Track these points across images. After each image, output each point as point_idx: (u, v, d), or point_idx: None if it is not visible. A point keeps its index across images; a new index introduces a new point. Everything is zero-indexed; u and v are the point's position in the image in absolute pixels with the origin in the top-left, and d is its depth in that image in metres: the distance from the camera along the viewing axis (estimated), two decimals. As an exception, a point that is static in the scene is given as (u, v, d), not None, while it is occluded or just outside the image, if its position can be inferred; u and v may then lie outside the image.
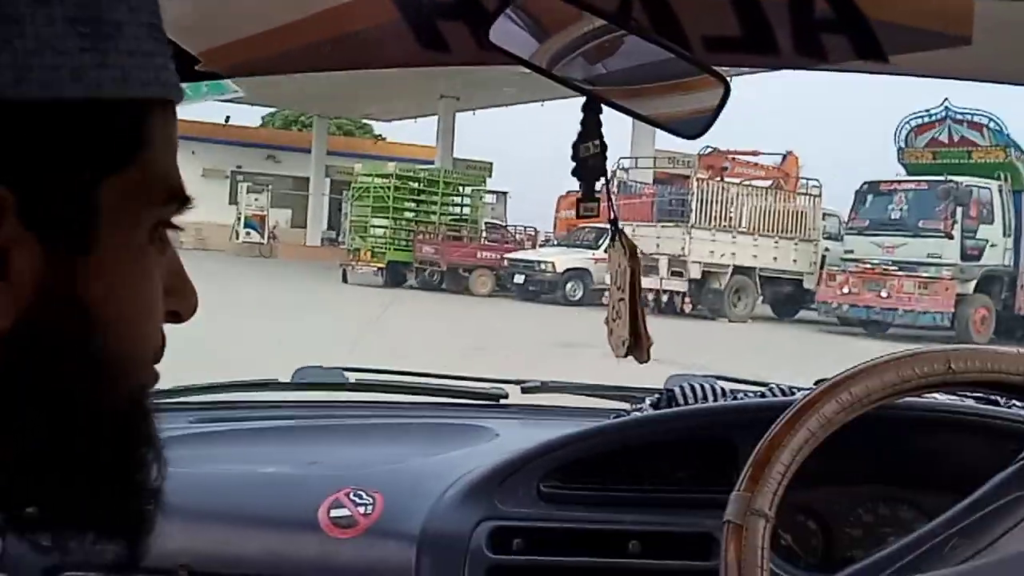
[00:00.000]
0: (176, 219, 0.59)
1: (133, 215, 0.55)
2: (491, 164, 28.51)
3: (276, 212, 33.62)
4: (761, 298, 21.45)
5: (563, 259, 21.85)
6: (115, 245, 0.53)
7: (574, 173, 1.21)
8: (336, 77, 22.25)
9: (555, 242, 24.87)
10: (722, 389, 1.58)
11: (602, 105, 1.16)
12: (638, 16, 1.07)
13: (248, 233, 31.71)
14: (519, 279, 22.25)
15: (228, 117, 35.71)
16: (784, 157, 24.53)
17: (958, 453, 1.32)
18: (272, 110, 40.34)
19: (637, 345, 1.21)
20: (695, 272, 20.66)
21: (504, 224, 28.09)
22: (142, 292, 0.56)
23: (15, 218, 0.50)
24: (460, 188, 27.10)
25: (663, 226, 21.16)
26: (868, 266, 18.89)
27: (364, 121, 40.01)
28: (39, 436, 0.53)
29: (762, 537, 1.05)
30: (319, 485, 1.44)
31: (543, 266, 21.92)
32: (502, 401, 1.91)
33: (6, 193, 0.50)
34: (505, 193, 31.32)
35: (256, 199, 32.15)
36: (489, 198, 29.15)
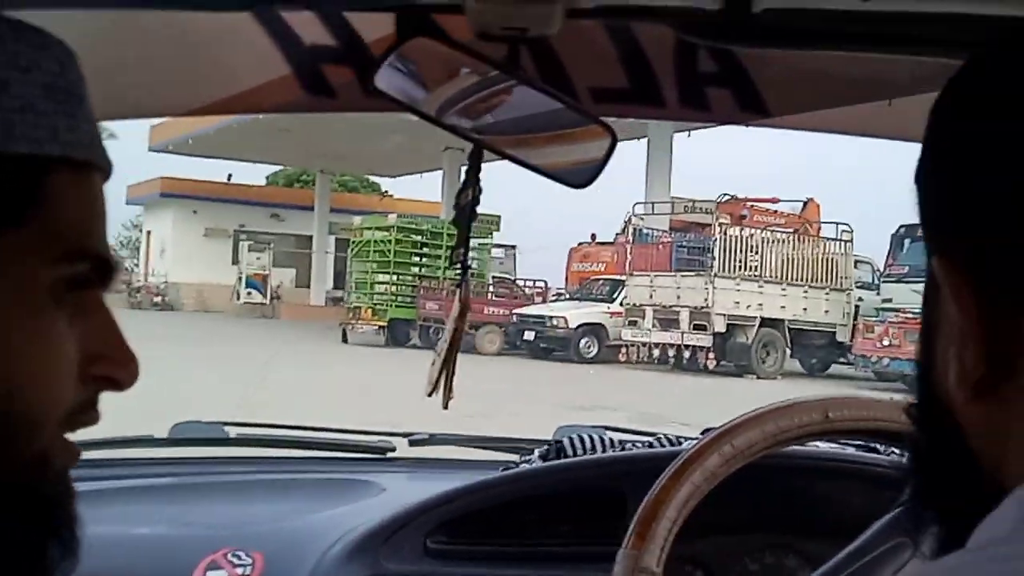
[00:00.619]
0: (108, 282, 0.58)
1: (29, 272, 0.53)
2: (498, 217, 25.78)
3: (280, 272, 32.57)
4: (790, 352, 19.65)
5: (576, 313, 20.61)
6: (8, 302, 0.52)
7: (453, 222, 1.20)
8: (339, 132, 21.83)
9: (567, 296, 23.72)
10: (611, 440, 1.57)
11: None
12: (526, 66, 1.07)
13: (250, 293, 30.59)
14: (529, 336, 20.83)
15: (230, 175, 34.52)
16: (804, 204, 22.83)
17: (840, 500, 1.34)
18: (277, 168, 39.12)
19: (445, 390, 1.19)
20: (719, 325, 18.72)
21: (512, 278, 26.61)
22: (42, 351, 0.54)
23: None
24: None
25: (683, 275, 19.55)
26: (910, 315, 16.83)
27: (369, 178, 38.82)
28: None
29: None
30: (195, 546, 1.38)
31: (555, 321, 20.55)
32: (389, 455, 1.87)
33: None
34: (514, 247, 29.53)
35: (258, 258, 31.05)
36: (497, 252, 27.56)
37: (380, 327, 23.02)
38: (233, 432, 1.86)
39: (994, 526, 0.44)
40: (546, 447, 1.60)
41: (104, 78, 0.62)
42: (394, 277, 23.70)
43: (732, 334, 18.78)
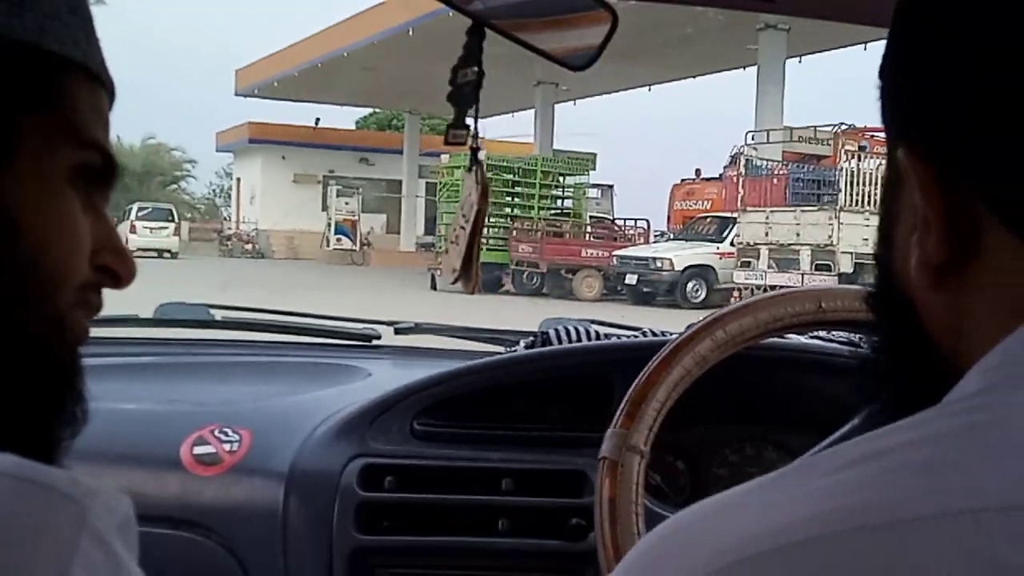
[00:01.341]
0: (112, 182, 0.64)
1: (50, 152, 0.59)
2: (594, 155, 23.95)
3: (370, 218, 31.36)
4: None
5: (682, 255, 18.70)
6: (31, 174, 0.58)
7: (449, 98, 1.19)
8: (427, 71, 18.42)
9: (671, 236, 21.76)
10: (596, 332, 1.58)
11: (486, 31, 1.14)
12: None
13: (339, 240, 29.34)
14: (631, 280, 18.86)
15: (318, 119, 33.17)
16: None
17: (823, 393, 1.36)
18: (366, 112, 37.81)
19: (466, 276, 1.19)
20: (846, 264, 16.66)
21: (611, 218, 24.21)
22: (61, 219, 0.59)
23: None
24: (560, 179, 23.37)
25: (804, 210, 17.47)
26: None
27: None
28: None
29: (637, 473, 1.06)
30: (181, 422, 1.39)
31: (659, 263, 18.59)
32: (375, 342, 1.87)
33: None
34: (611, 186, 26.86)
35: (347, 203, 29.66)
36: (593, 192, 25.10)
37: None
38: (219, 315, 1.86)
39: (959, 392, 0.46)
40: (532, 338, 1.61)
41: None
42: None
43: (859, 274, 16.31)
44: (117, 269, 0.63)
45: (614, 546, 1.03)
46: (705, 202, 22.82)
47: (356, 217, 29.78)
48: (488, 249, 20.22)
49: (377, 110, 37.85)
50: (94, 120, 0.63)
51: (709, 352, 1.07)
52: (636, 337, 1.54)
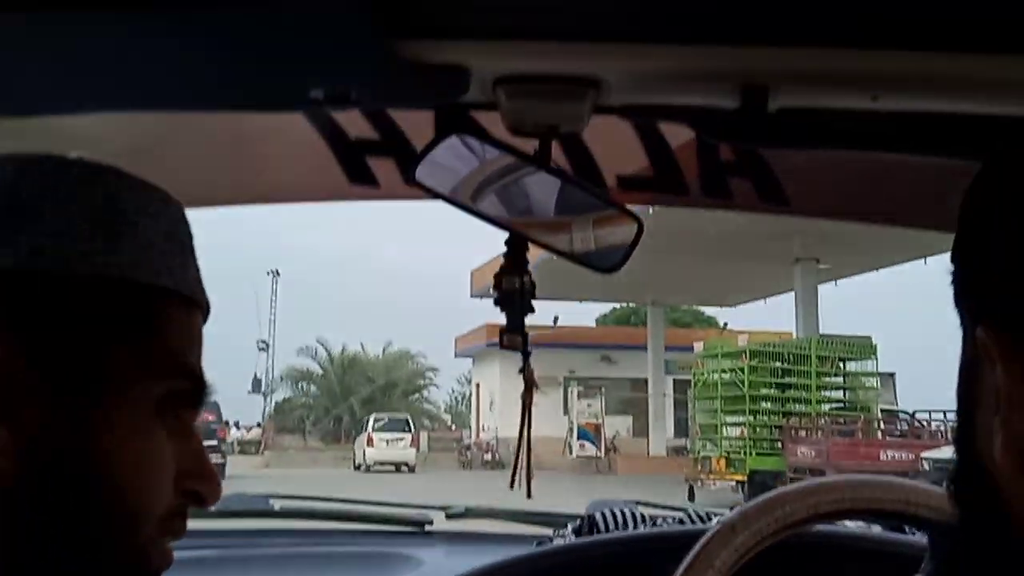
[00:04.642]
0: (201, 403, 0.66)
1: (140, 383, 0.62)
2: (871, 339, 20.33)
3: (614, 420, 29.07)
4: None
5: None
6: (121, 405, 0.60)
7: (497, 303, 1.25)
8: (670, 259, 16.90)
9: None
10: (641, 515, 1.60)
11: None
12: (556, 157, 1.13)
13: (582, 445, 27.15)
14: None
15: (557, 317, 30.38)
16: None
17: None
18: (607, 309, 36.26)
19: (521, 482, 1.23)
20: None
21: (910, 412, 19.39)
22: (147, 452, 0.62)
23: (28, 369, 0.58)
24: (840, 365, 19.85)
25: None
26: None
27: (703, 311, 35.15)
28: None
29: None
30: None
31: None
32: (427, 528, 1.90)
33: (15, 343, 0.59)
34: (892, 374, 22.57)
35: (589, 405, 27.63)
36: (870, 381, 21.02)
37: (738, 482, 17.71)
38: (277, 504, 1.90)
39: None
40: (579, 521, 1.63)
41: (160, 170, 0.70)
42: (751, 417, 18.78)
43: None
44: (202, 492, 0.66)
45: None
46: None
47: (600, 420, 27.54)
48: (757, 454, 18.02)
49: (617, 305, 35.92)
50: (187, 345, 0.65)
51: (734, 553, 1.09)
52: (680, 521, 1.56)
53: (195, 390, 0.66)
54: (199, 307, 0.68)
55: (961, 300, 0.53)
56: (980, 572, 0.51)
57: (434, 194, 1.13)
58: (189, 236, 0.68)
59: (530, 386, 1.26)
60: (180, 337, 0.65)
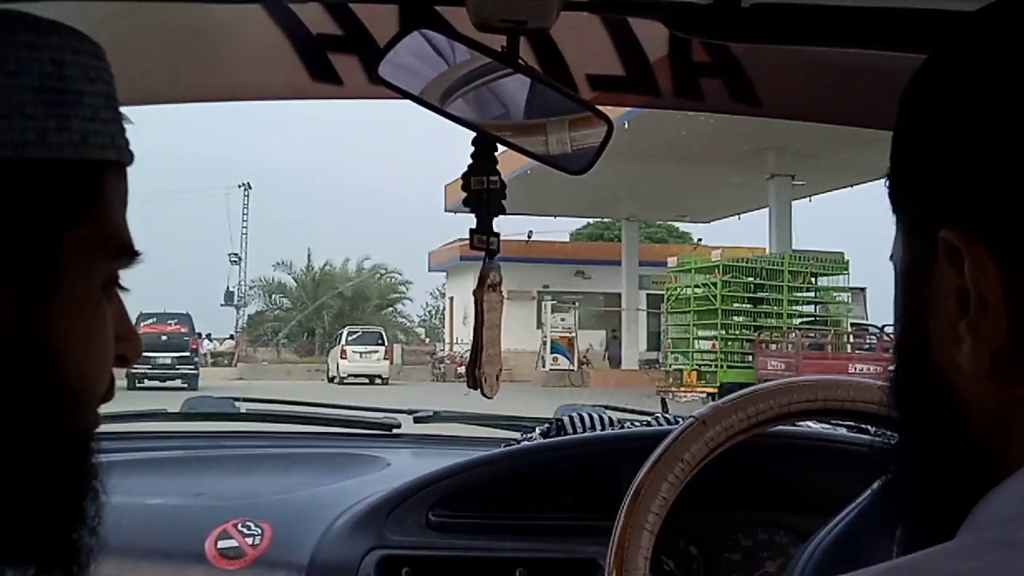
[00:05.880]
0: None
1: (91, 266, 0.59)
2: (842, 255, 20.35)
3: (588, 334, 28.82)
4: None
5: None
6: (75, 293, 0.58)
7: (465, 203, 1.23)
8: (646, 173, 17.11)
9: None
10: (609, 418, 1.61)
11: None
12: (525, 55, 1.11)
13: (555, 359, 26.78)
14: None
15: (531, 232, 30.80)
16: None
17: (829, 479, 1.38)
18: (581, 224, 35.64)
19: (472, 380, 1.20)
20: None
21: (879, 325, 18.95)
22: (97, 338, 0.60)
23: None
24: (812, 280, 19.89)
25: None
26: None
27: (678, 227, 34.80)
28: None
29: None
30: (206, 516, 1.43)
31: None
32: (394, 431, 1.92)
33: None
34: (863, 289, 22.08)
35: (563, 319, 27.26)
36: (841, 296, 21.06)
37: (709, 394, 17.44)
38: (243, 407, 1.91)
39: (998, 506, 0.44)
40: (547, 425, 1.65)
41: (117, 65, 0.66)
42: (722, 331, 18.94)
43: None
44: (128, 355, 0.64)
45: None
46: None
47: (573, 334, 27.33)
48: (728, 366, 18.18)
49: (591, 221, 35.71)
50: (124, 215, 0.62)
51: (702, 450, 1.10)
52: (647, 423, 1.57)
53: (130, 262, 0.63)
54: (126, 166, 0.64)
55: (921, 200, 0.51)
56: (934, 479, 0.51)
57: (399, 92, 1.11)
58: (114, 85, 0.62)
59: (483, 282, 1.23)
60: (120, 211, 0.62)
